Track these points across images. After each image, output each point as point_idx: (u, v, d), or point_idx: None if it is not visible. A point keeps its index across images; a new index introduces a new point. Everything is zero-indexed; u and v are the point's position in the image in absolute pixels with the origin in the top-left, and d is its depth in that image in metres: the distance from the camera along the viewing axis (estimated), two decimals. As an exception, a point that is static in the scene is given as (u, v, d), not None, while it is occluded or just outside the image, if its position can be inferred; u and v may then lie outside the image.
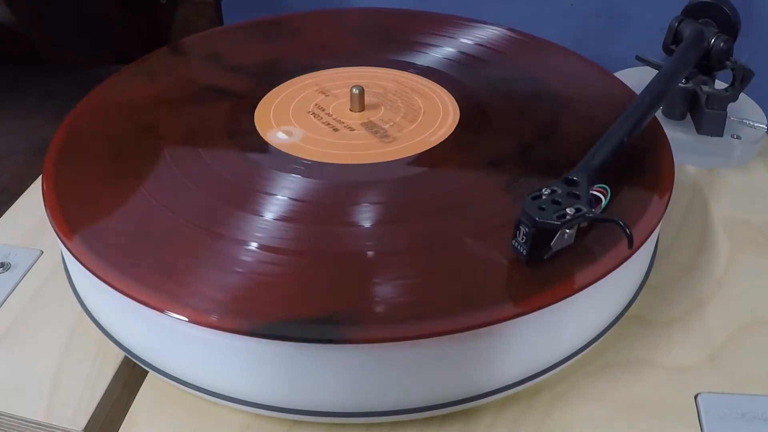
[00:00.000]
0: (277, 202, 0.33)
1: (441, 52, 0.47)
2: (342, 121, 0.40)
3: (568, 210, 0.28)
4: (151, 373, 0.31)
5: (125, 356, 0.32)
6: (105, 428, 0.31)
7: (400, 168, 0.36)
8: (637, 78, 0.44)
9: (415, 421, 0.30)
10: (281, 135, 0.36)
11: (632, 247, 0.29)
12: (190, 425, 0.30)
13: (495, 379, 0.29)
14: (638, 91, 0.38)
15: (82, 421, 0.30)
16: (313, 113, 0.40)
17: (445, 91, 0.42)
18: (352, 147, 0.37)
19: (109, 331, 0.32)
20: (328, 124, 0.39)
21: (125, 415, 0.30)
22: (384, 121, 0.39)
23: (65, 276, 0.36)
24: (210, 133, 0.39)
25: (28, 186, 0.43)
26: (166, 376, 0.31)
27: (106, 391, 0.31)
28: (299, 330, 0.27)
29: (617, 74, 0.47)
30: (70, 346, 0.33)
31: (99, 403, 0.30)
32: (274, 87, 0.43)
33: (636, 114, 0.36)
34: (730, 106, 0.44)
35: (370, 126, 0.39)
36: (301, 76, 0.44)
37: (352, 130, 0.39)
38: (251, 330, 0.27)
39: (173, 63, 0.47)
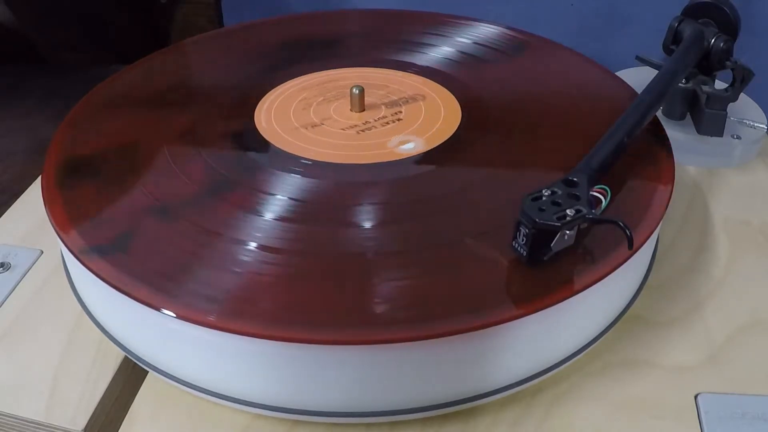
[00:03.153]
0: (276, 202, 0.33)
1: (441, 51, 0.47)
2: (343, 121, 0.40)
3: (568, 211, 0.28)
4: (151, 373, 0.31)
5: (125, 356, 0.32)
6: (105, 428, 0.31)
7: (401, 168, 0.36)
8: (637, 78, 0.44)
9: (415, 421, 0.30)
10: (408, 146, 0.35)
11: (632, 248, 0.29)
12: (190, 425, 0.30)
13: (495, 379, 0.29)
14: (638, 91, 0.38)
15: (82, 421, 0.30)
16: (314, 113, 0.40)
17: (446, 90, 0.42)
18: (353, 147, 0.37)
19: (109, 331, 0.32)
20: (329, 123, 0.39)
21: (125, 415, 0.30)
22: (385, 122, 0.39)
23: (65, 276, 0.36)
24: (210, 133, 0.39)
25: (28, 186, 0.43)
26: (166, 376, 0.31)
27: (106, 391, 0.31)
28: (299, 331, 0.27)
29: (617, 74, 0.46)
30: (70, 346, 0.33)
31: (99, 403, 0.30)
32: (274, 87, 0.43)
33: (636, 114, 0.36)
34: (730, 106, 0.44)
35: (371, 126, 0.39)
36: (300, 77, 0.44)
37: (353, 129, 0.39)
38: (250, 330, 0.27)
39: (173, 63, 0.47)
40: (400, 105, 0.41)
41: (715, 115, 0.44)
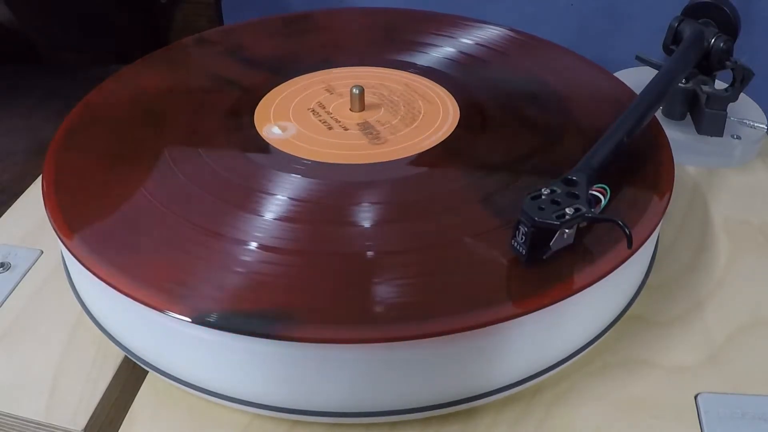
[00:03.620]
0: (276, 202, 0.33)
1: (441, 52, 0.47)
2: (339, 120, 0.40)
3: (567, 210, 0.28)
4: (151, 373, 0.31)
5: (125, 356, 0.32)
6: (105, 428, 0.31)
7: (400, 168, 0.36)
8: (637, 78, 0.44)
9: (415, 421, 0.30)
10: (275, 130, 0.36)
11: (632, 247, 0.29)
12: (190, 425, 0.30)
13: (495, 379, 0.29)
14: (638, 91, 0.38)
15: (82, 421, 0.30)
16: (313, 111, 0.40)
17: (446, 91, 0.42)
18: (342, 146, 0.37)
19: (109, 331, 0.32)
20: (325, 122, 0.39)
21: (125, 415, 0.30)
22: (380, 123, 0.39)
23: (65, 276, 0.36)
24: (210, 132, 0.39)
25: (28, 186, 0.43)
26: (166, 376, 0.31)
27: (106, 391, 0.31)
28: (299, 330, 0.27)
29: (617, 74, 0.47)
30: (70, 346, 0.33)
31: (99, 403, 0.30)
32: (283, 82, 0.43)
33: (636, 114, 0.36)
34: (730, 106, 0.44)
35: (364, 126, 0.39)
36: (310, 74, 0.44)
37: (346, 129, 0.39)
38: (251, 330, 0.27)
39: (171, 64, 0.47)
40: (401, 106, 0.41)
41: (715, 115, 0.44)
